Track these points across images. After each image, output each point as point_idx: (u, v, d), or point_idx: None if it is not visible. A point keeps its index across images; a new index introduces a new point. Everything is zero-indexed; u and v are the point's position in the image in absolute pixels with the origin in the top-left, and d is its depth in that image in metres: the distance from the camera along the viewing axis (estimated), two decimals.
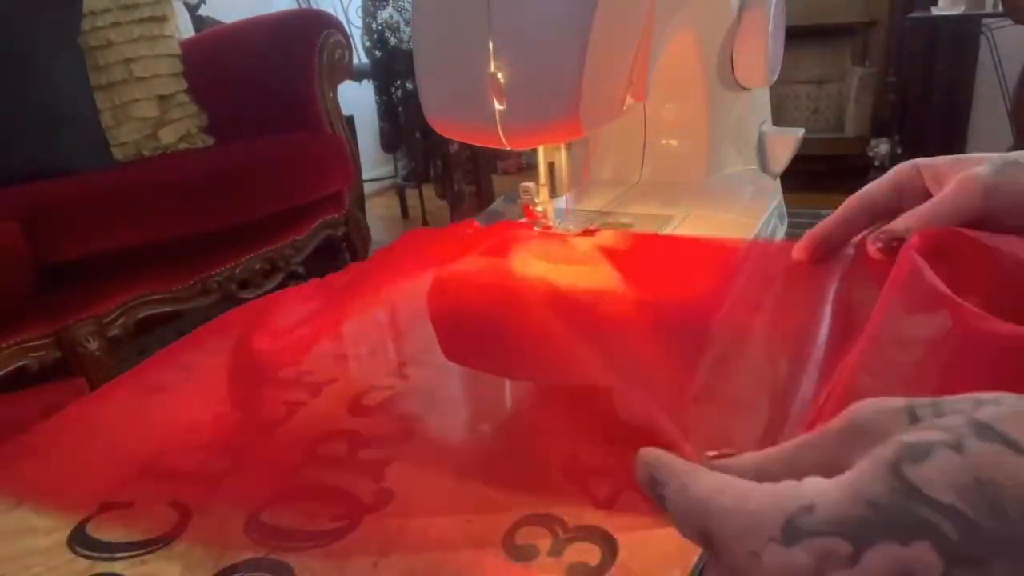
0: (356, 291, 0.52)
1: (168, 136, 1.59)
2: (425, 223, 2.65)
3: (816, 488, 0.18)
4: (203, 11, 2.14)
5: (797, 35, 2.29)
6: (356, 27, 2.70)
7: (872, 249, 0.38)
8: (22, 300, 1.07)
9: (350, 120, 1.86)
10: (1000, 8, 2.09)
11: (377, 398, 0.40)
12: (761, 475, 0.20)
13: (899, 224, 0.37)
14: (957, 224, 0.35)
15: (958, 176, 0.36)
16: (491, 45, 0.41)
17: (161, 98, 1.59)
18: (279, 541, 0.29)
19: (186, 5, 2.09)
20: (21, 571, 0.29)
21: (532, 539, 0.28)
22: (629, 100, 0.47)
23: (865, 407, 0.20)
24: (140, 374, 0.44)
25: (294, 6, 2.63)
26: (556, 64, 0.41)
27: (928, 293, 0.29)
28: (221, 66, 1.69)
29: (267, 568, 0.28)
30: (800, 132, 0.71)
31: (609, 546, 0.28)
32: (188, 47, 1.68)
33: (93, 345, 1.18)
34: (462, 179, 2.37)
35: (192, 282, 1.35)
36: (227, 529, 0.30)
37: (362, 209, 1.97)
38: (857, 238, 0.43)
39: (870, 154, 2.45)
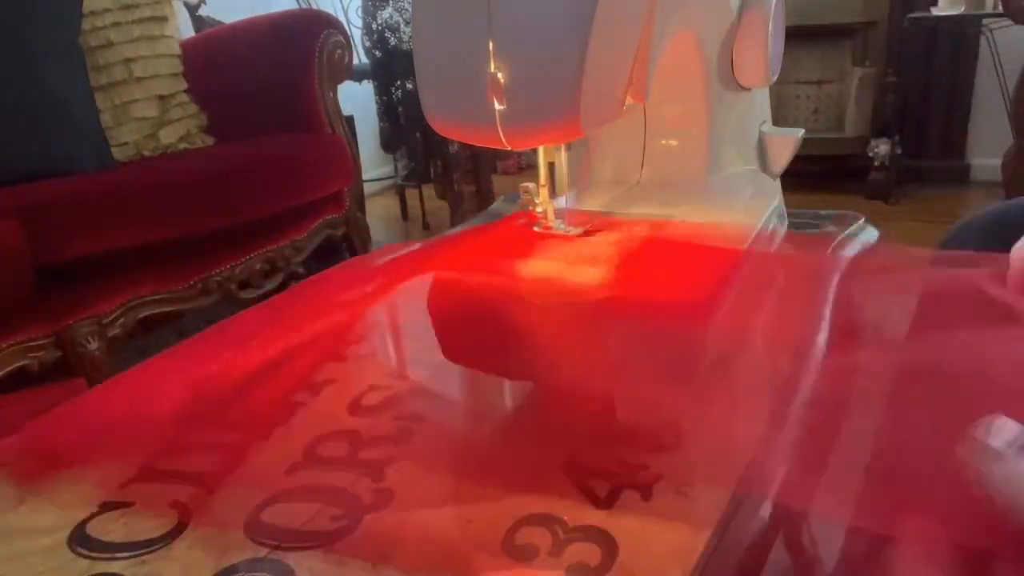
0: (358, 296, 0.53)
1: (168, 136, 1.59)
2: (425, 223, 2.65)
3: None
4: (203, 11, 2.14)
5: (797, 35, 2.29)
6: (356, 27, 2.70)
7: None
8: (22, 300, 1.07)
9: (350, 120, 1.86)
10: (1000, 8, 2.09)
11: (377, 398, 0.40)
12: None
13: None
14: None
15: None
16: (491, 45, 0.41)
17: (161, 98, 1.59)
18: (279, 541, 0.29)
19: (186, 5, 2.08)
20: (21, 571, 0.29)
21: (532, 539, 0.28)
22: (629, 100, 0.47)
23: None
24: (140, 374, 0.44)
25: (294, 6, 2.63)
26: (556, 64, 0.41)
27: None
28: (221, 66, 1.69)
29: (267, 568, 0.28)
30: (800, 132, 0.71)
31: (609, 546, 0.28)
32: (188, 47, 1.67)
33: (93, 345, 1.18)
34: (462, 179, 2.37)
35: (192, 282, 1.35)
36: (227, 529, 0.30)
37: (362, 209, 1.97)
38: None
39: (870, 154, 2.45)
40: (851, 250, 0.59)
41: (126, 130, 1.55)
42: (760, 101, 0.73)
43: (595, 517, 0.29)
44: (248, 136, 1.60)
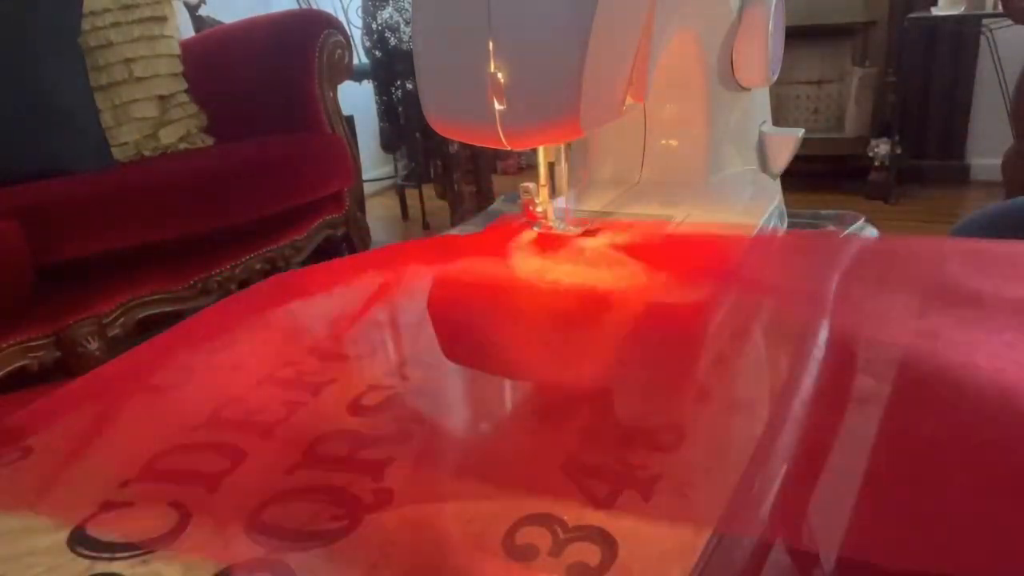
0: (355, 288, 0.53)
1: (168, 136, 1.59)
2: (425, 223, 2.65)
3: None
4: (203, 11, 2.14)
5: (797, 35, 2.29)
6: (356, 27, 2.70)
7: None
8: (22, 300, 1.07)
9: (350, 120, 1.86)
10: (1000, 8, 2.09)
11: (377, 398, 0.40)
12: None
13: None
14: None
15: None
16: (491, 45, 0.41)
17: (161, 98, 1.59)
18: (279, 541, 0.29)
19: (186, 5, 2.08)
20: (21, 571, 0.29)
21: (532, 539, 0.28)
22: (629, 100, 0.47)
23: None
24: (136, 367, 0.44)
25: (294, 6, 2.63)
26: (556, 64, 0.41)
27: None
28: (221, 66, 1.69)
29: (267, 568, 0.28)
30: (800, 132, 0.71)
31: (609, 546, 0.28)
32: (188, 47, 1.67)
33: (93, 345, 1.18)
34: (462, 179, 2.37)
35: (192, 282, 1.35)
36: (227, 529, 0.30)
37: (362, 209, 1.97)
38: None
39: (870, 154, 2.45)
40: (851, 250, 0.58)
41: (126, 130, 1.55)
42: (760, 101, 0.73)
43: (595, 517, 0.29)
44: (248, 136, 1.60)
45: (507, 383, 0.43)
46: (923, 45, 2.56)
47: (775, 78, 0.66)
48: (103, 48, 1.52)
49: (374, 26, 2.43)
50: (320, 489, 0.32)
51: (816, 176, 2.60)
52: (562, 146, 0.52)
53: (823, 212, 0.72)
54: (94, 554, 0.30)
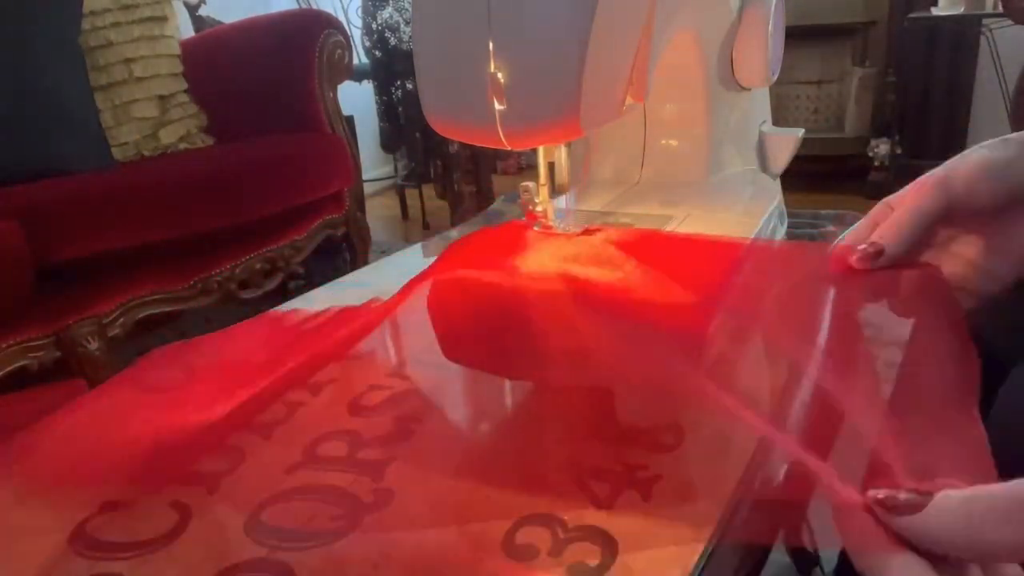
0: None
1: (168, 136, 1.59)
2: (425, 223, 2.65)
3: None
4: (203, 11, 2.14)
5: (797, 35, 2.29)
6: (356, 27, 2.70)
7: (853, 261, 0.40)
8: (22, 300, 1.07)
9: (350, 120, 1.85)
10: (1000, 8, 2.09)
11: (377, 398, 0.40)
12: None
13: (876, 237, 0.39)
14: (928, 223, 0.37)
15: (914, 182, 0.38)
16: (491, 45, 0.41)
17: (161, 98, 1.59)
18: (279, 541, 0.29)
19: (186, 5, 2.08)
20: (21, 571, 0.29)
21: (532, 539, 0.28)
22: (629, 100, 0.47)
23: None
24: (139, 373, 0.44)
25: (294, 6, 2.63)
26: (556, 64, 0.41)
27: None
28: (221, 66, 1.69)
29: (267, 568, 0.28)
30: (800, 132, 0.71)
31: (609, 546, 0.28)
32: (188, 47, 1.68)
33: (93, 345, 1.18)
34: (462, 179, 2.37)
35: (192, 282, 1.35)
36: (227, 529, 0.30)
37: (362, 209, 1.97)
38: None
39: (870, 154, 2.45)
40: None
41: (126, 130, 1.55)
42: (760, 101, 0.73)
43: (595, 517, 0.29)
44: (248, 136, 1.61)
45: (507, 383, 0.43)
46: (923, 45, 2.56)
47: (775, 78, 0.66)
48: (103, 48, 1.52)
49: (374, 26, 2.43)
50: (320, 489, 0.32)
51: (816, 176, 2.60)
52: (562, 146, 0.52)
53: (823, 212, 0.72)
54: (94, 554, 0.30)
